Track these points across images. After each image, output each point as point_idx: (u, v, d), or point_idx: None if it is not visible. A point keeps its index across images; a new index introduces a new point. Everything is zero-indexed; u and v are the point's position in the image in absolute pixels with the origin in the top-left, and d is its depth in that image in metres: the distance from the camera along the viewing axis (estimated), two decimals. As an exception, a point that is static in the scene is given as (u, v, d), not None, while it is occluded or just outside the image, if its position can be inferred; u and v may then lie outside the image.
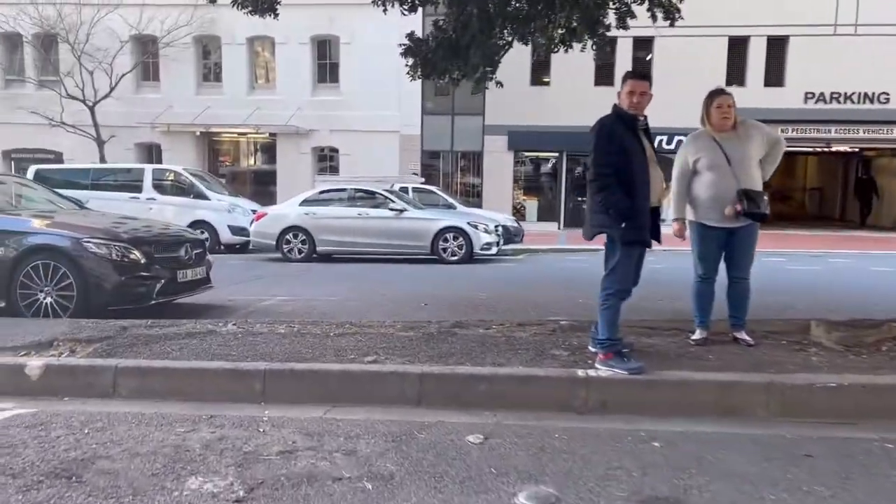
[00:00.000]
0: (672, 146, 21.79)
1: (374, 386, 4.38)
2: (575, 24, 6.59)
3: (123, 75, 22.12)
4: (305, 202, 14.73)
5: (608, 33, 7.56)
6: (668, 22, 8.24)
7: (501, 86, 7.58)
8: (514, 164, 22.94)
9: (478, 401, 4.23)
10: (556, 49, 7.76)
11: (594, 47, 7.47)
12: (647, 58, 22.19)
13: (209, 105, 23.16)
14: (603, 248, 4.81)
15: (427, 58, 6.43)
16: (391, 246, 14.20)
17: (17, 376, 4.62)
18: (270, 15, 7.34)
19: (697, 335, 5.08)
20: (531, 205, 23.20)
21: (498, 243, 14.63)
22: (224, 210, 16.99)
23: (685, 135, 20.32)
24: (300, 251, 14.44)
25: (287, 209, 14.83)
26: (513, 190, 22.98)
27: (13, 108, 22.93)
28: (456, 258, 13.91)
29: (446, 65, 6.43)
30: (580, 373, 4.31)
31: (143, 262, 6.68)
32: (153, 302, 6.76)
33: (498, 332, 5.39)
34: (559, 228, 22.75)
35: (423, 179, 19.36)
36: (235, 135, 24.18)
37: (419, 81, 22.78)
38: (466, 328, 5.49)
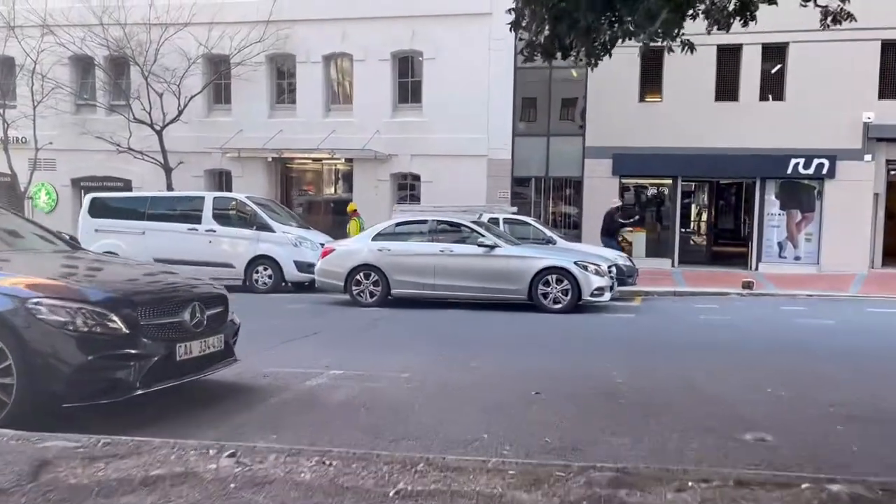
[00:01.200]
0: (810, 170, 18.64)
1: None
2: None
3: (192, 97, 20.83)
4: (379, 236, 12.57)
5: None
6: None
7: (692, 49, 4.96)
8: (620, 192, 20.22)
9: None
10: (731, 19, 5.22)
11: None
12: (774, 70, 19.16)
13: (282, 129, 21.59)
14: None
15: (561, 8, 4.02)
16: (480, 289, 11.82)
17: None
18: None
19: None
20: (638, 238, 20.39)
21: (611, 287, 12.01)
22: (289, 244, 15.15)
23: (826, 157, 16.85)
24: (372, 294, 12.27)
25: (357, 244, 12.71)
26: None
27: (83, 134, 22.05)
28: (559, 306, 11.40)
29: (593, 18, 3.99)
30: None
31: (124, 332, 4.52)
32: (139, 392, 4.59)
33: (706, 500, 2.86)
34: (673, 266, 19.81)
35: (515, 209, 16.96)
36: (310, 160, 22.53)
37: (509, 99, 20.51)
38: (641, 488, 2.98)
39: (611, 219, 16.47)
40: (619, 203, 17.77)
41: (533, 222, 15.05)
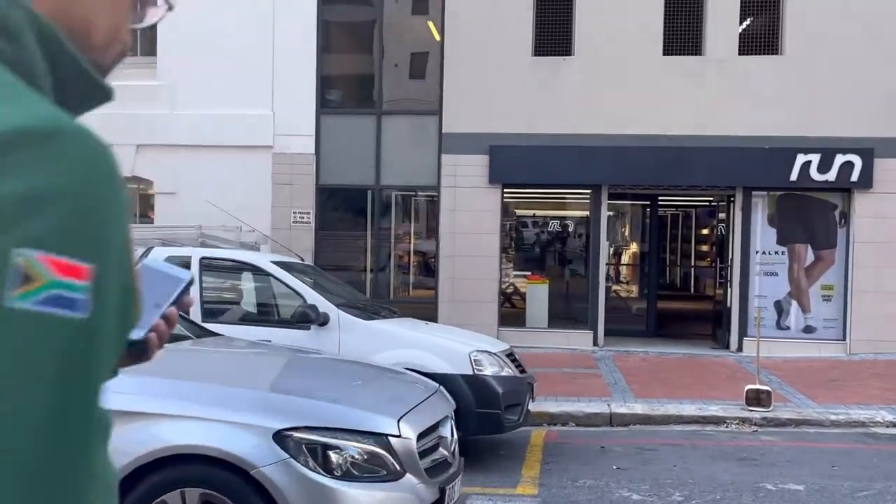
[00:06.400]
0: (828, 174, 11.05)
1: None
2: None
3: None
4: None
5: None
6: None
7: None
8: (503, 212, 11.94)
9: None
10: None
11: None
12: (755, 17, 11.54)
13: None
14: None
15: None
16: None
17: None
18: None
19: None
20: (536, 294, 12.12)
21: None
22: None
23: (856, 152, 11.65)
24: None
25: None
26: (500, 263, 11.94)
27: None
28: None
29: None
30: None
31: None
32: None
33: None
34: (596, 343, 11.54)
35: (305, 260, 8.22)
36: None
37: (311, 51, 10.45)
38: None
39: None
40: None
41: (276, 270, 6.23)
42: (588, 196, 11.95)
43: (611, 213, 14.90)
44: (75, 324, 0.51)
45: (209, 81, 11.87)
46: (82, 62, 0.62)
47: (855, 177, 10.89)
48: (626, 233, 18.39)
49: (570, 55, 11.63)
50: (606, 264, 12.85)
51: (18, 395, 0.49)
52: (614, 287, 15.67)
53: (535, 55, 11.66)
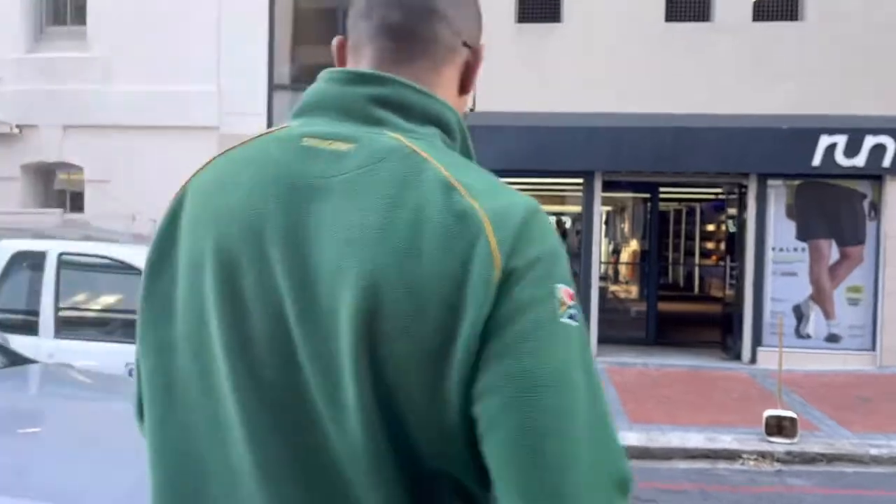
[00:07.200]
0: (856, 159, 9.68)
1: None
2: None
3: None
4: None
5: None
6: None
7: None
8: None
9: None
10: None
11: None
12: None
13: None
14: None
15: None
16: None
17: None
18: None
19: None
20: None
21: None
22: None
23: (889, 133, 9.93)
24: None
25: None
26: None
27: None
28: None
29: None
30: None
31: None
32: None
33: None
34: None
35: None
36: None
37: (263, 14, 10.24)
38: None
39: None
40: None
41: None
42: (580, 185, 10.54)
43: (608, 208, 13.53)
44: (579, 329, 0.79)
45: (147, 52, 10.45)
46: (469, 142, 0.94)
47: (887, 162, 9.48)
48: (625, 228, 17.03)
49: (558, 21, 10.23)
50: (601, 262, 11.50)
51: (589, 375, 0.78)
52: (611, 287, 14.37)
53: (519, 21, 10.27)
